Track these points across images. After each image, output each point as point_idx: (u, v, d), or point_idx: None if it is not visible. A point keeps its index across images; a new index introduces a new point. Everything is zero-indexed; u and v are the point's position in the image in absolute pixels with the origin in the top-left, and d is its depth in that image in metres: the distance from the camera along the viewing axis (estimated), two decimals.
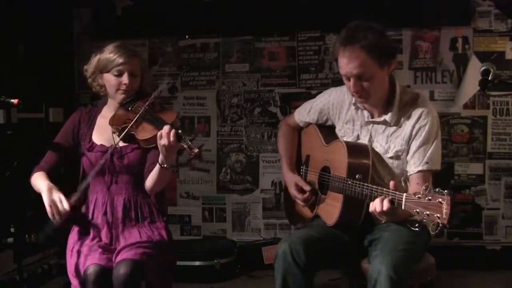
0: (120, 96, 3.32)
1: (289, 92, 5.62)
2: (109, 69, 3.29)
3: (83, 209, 3.34)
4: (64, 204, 3.02)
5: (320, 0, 5.41)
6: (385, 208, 2.76)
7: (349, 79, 3.11)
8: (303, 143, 3.72)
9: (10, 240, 4.55)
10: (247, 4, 5.51)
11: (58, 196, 3.05)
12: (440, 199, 2.44)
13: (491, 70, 2.88)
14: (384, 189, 2.76)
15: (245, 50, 5.72)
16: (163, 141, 2.96)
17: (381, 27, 3.14)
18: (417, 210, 2.53)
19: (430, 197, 2.48)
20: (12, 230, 4.53)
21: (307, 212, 3.55)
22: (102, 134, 3.36)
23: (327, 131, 3.52)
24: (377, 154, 3.24)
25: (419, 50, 5.42)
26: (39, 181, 3.20)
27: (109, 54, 3.31)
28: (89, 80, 3.42)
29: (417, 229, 2.56)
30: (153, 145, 3.13)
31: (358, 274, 3.23)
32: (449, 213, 2.41)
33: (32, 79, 4.99)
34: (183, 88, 5.82)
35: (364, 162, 3.16)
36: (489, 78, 2.87)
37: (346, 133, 3.40)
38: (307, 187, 3.49)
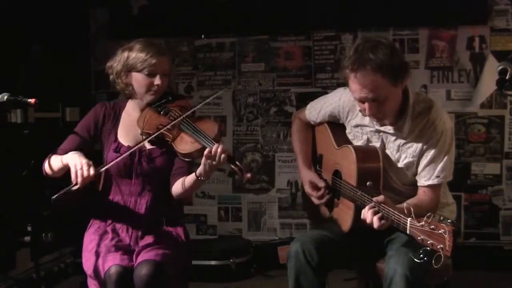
0: (149, 97, 3.24)
1: (305, 91, 5.61)
2: (139, 68, 3.19)
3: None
4: (91, 169, 2.94)
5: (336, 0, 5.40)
6: (376, 226, 2.78)
7: (363, 102, 3.02)
8: (317, 141, 3.68)
9: (27, 238, 4.59)
10: (263, 3, 5.50)
11: (86, 161, 2.97)
12: (442, 230, 2.42)
13: (509, 69, 2.85)
14: (390, 209, 2.73)
15: (261, 50, 5.72)
16: (212, 161, 2.93)
17: (389, 42, 3.06)
18: (421, 237, 2.51)
19: (433, 226, 2.46)
20: (29, 229, 4.57)
21: (325, 212, 3.54)
22: (128, 134, 3.29)
23: (339, 132, 3.45)
24: (388, 157, 3.20)
25: (435, 49, 5.40)
26: (58, 157, 3.12)
27: (140, 52, 3.20)
28: (113, 77, 3.31)
29: (421, 260, 2.53)
30: (192, 158, 3.12)
31: (373, 274, 3.22)
32: (452, 245, 2.38)
33: (48, 79, 5.03)
34: (199, 88, 5.83)
35: (374, 167, 3.12)
36: (507, 78, 2.85)
37: (355, 136, 3.35)
38: (321, 183, 3.45)
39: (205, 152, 2.94)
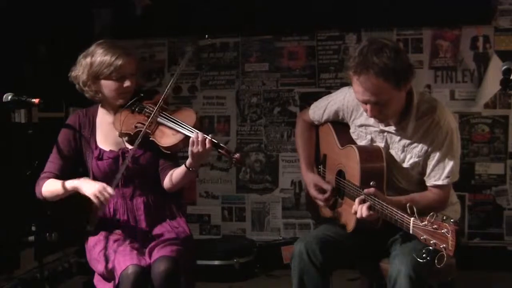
0: (121, 100, 3.22)
1: (309, 91, 5.61)
2: (107, 74, 3.14)
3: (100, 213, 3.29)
4: (108, 189, 2.97)
5: (340, 0, 5.40)
6: (364, 215, 2.83)
7: (366, 103, 3.02)
8: (321, 141, 3.67)
9: (31, 238, 4.59)
10: (267, 3, 5.50)
11: (100, 185, 3.00)
12: (445, 230, 2.42)
13: None
14: (394, 209, 2.73)
15: (265, 50, 5.72)
16: (196, 149, 2.94)
17: (395, 44, 3.04)
18: (424, 237, 2.51)
19: (436, 226, 2.46)
20: (33, 228, 4.58)
21: (327, 213, 3.54)
22: (107, 138, 3.27)
23: (342, 131, 3.45)
24: (392, 157, 3.19)
25: (439, 49, 5.39)
26: (59, 184, 3.13)
27: (104, 56, 3.14)
28: (80, 86, 3.26)
29: (424, 260, 2.53)
30: (177, 150, 3.13)
31: (377, 274, 3.22)
32: (455, 244, 2.39)
33: (52, 79, 5.02)
34: (202, 88, 5.83)
35: (377, 167, 3.11)
36: (511, 77, 2.83)
37: (359, 136, 3.34)
38: (327, 186, 3.43)
39: (190, 142, 2.96)
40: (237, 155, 2.93)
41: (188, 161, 3.05)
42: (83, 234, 3.24)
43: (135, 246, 3.11)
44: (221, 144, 2.97)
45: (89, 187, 3.02)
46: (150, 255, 3.05)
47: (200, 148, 2.94)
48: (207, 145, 2.93)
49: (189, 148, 2.97)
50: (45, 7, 4.94)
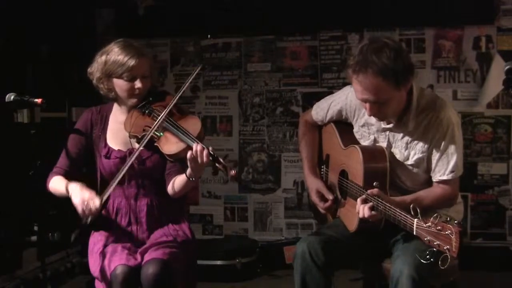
0: (133, 100, 3.20)
1: (311, 91, 5.61)
2: (119, 74, 3.13)
3: (103, 212, 3.27)
4: (96, 201, 2.92)
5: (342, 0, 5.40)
6: (366, 215, 2.86)
7: (365, 102, 3.02)
8: (324, 141, 3.67)
9: (34, 238, 4.60)
10: (269, 3, 5.50)
11: (89, 194, 2.96)
12: (449, 231, 2.42)
13: None
14: (397, 210, 2.74)
15: (267, 50, 5.72)
16: (194, 160, 2.92)
17: (395, 44, 3.01)
18: (428, 238, 2.51)
19: (440, 227, 2.46)
20: (35, 228, 4.58)
21: (329, 218, 3.54)
22: (117, 137, 3.26)
23: (345, 131, 3.44)
24: (395, 157, 3.19)
25: (442, 49, 5.39)
26: (61, 184, 3.12)
27: (118, 56, 3.13)
28: (95, 83, 3.26)
29: (427, 261, 2.53)
30: (178, 158, 3.10)
31: (379, 274, 3.21)
32: (458, 246, 2.39)
33: (55, 79, 5.04)
34: (205, 88, 5.83)
35: (381, 167, 3.11)
36: None
37: (362, 135, 3.34)
38: (329, 196, 3.44)
39: (189, 153, 2.93)
40: (233, 172, 2.90)
41: (188, 171, 3.03)
42: (70, 243, 3.20)
43: (127, 246, 3.10)
44: (220, 159, 2.93)
45: (77, 195, 2.99)
46: (142, 257, 3.03)
47: (198, 160, 2.92)
48: (205, 159, 2.91)
49: (188, 159, 2.95)
50: (48, 7, 4.94)
